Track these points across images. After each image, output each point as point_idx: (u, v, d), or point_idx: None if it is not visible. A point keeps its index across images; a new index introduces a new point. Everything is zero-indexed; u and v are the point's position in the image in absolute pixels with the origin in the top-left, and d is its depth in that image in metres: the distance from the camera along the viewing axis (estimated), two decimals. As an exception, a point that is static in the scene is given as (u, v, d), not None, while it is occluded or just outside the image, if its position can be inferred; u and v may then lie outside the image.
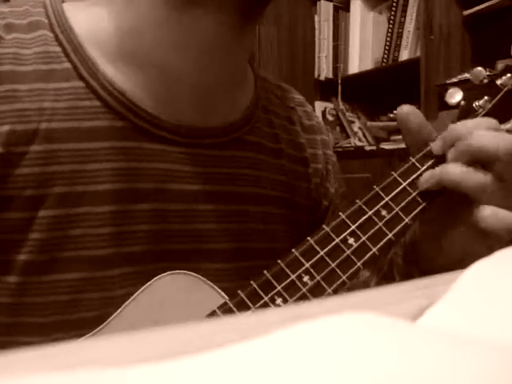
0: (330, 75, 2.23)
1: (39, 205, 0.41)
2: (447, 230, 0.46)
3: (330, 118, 2.22)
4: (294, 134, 0.56)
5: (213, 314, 0.39)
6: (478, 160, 0.41)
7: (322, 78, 2.23)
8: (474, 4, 1.73)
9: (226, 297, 0.40)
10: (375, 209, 0.43)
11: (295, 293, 0.39)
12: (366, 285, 0.53)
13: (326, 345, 0.13)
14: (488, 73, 0.50)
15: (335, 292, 0.40)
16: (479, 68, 0.49)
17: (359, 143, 2.11)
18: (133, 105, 0.44)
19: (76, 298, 0.41)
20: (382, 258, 0.44)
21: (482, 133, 0.42)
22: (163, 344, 0.14)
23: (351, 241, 0.41)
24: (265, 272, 0.40)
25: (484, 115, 0.47)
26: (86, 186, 0.42)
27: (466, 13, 1.77)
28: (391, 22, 2.00)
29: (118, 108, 0.43)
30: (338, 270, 0.40)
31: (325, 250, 0.41)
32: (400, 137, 1.87)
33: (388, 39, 2.01)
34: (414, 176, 0.44)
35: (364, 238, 0.42)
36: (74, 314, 0.41)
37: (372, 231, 0.42)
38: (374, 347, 0.13)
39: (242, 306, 0.39)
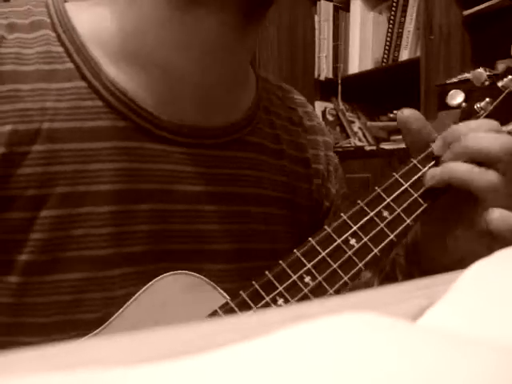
0: (330, 75, 2.23)
1: (41, 205, 0.41)
2: (449, 231, 0.46)
3: (330, 117, 2.22)
4: (295, 135, 0.56)
5: (214, 314, 0.39)
6: (476, 161, 0.42)
7: (322, 77, 2.23)
8: (474, 4, 1.73)
9: (228, 297, 0.40)
10: (377, 210, 0.43)
11: (297, 293, 0.40)
12: (367, 286, 0.53)
13: (327, 345, 0.13)
14: (488, 73, 0.50)
15: (337, 293, 0.40)
16: (480, 70, 0.49)
17: (359, 143, 2.11)
18: (135, 105, 0.44)
19: (77, 298, 0.41)
20: (383, 258, 0.44)
21: (481, 135, 0.42)
22: (164, 344, 0.14)
23: (353, 242, 0.41)
24: (266, 273, 0.40)
25: (485, 117, 0.47)
26: (87, 186, 0.42)
27: (465, 13, 1.77)
28: (391, 21, 2.00)
29: (121, 108, 0.43)
30: (339, 271, 0.40)
31: (326, 251, 0.41)
32: (400, 137, 1.87)
33: (388, 39, 2.01)
34: (416, 177, 0.44)
35: (366, 239, 0.42)
36: (76, 314, 0.41)
37: (373, 232, 0.42)
38: (374, 347, 0.13)
39: (244, 307, 0.39)
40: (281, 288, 0.39)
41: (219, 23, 0.42)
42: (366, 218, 0.42)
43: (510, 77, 0.49)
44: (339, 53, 2.21)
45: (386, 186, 0.44)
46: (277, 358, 0.12)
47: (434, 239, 0.47)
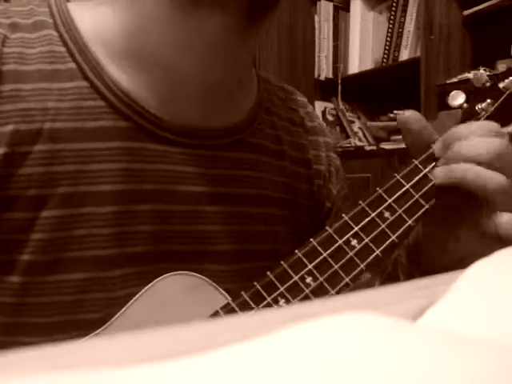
0: (330, 75, 2.23)
1: (42, 205, 0.41)
2: (450, 231, 0.46)
3: (330, 118, 2.22)
4: (296, 136, 0.56)
5: (215, 314, 0.39)
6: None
7: (322, 77, 2.23)
8: (474, 4, 1.73)
9: (229, 298, 0.40)
10: (378, 211, 0.43)
11: (298, 294, 0.40)
12: (368, 286, 0.53)
13: (327, 345, 0.13)
14: (488, 73, 0.50)
15: (338, 293, 0.40)
16: (481, 71, 0.49)
17: (359, 143, 2.11)
18: (137, 105, 0.44)
19: (79, 298, 0.41)
20: (385, 259, 0.44)
21: (473, 141, 0.42)
22: (165, 344, 0.14)
23: (354, 242, 0.41)
24: (268, 273, 0.40)
25: (486, 118, 0.47)
26: (89, 186, 0.42)
27: (466, 13, 1.77)
28: (391, 21, 2.00)
29: (123, 108, 0.43)
30: (341, 272, 0.40)
31: (328, 252, 0.41)
32: (400, 137, 1.87)
33: (388, 39, 2.00)
34: (417, 178, 0.44)
35: (367, 240, 0.42)
36: (77, 314, 0.41)
37: (375, 233, 0.42)
38: (374, 347, 0.13)
39: (245, 307, 0.39)
40: (282, 289, 0.39)
41: (222, 25, 0.42)
42: (367, 219, 0.42)
43: (511, 78, 0.49)
44: (339, 53, 2.21)
45: (388, 186, 0.44)
46: (277, 357, 0.12)
47: (435, 240, 0.47)
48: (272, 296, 0.39)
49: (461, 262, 0.45)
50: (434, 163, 0.45)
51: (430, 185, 0.44)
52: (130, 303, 0.40)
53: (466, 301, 0.18)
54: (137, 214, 0.43)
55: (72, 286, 0.41)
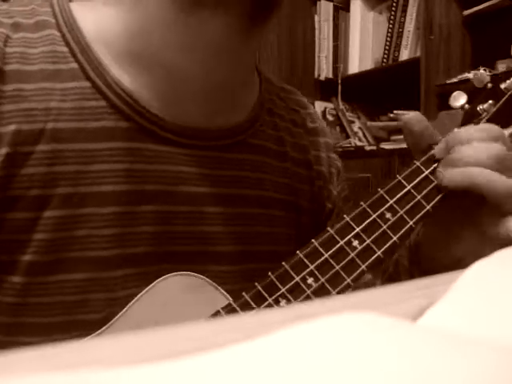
0: (330, 75, 2.23)
1: (45, 205, 0.41)
2: (452, 232, 0.46)
3: (330, 118, 2.22)
4: (298, 137, 0.56)
5: (216, 314, 0.39)
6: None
7: (322, 77, 2.23)
8: (474, 4, 1.73)
9: (230, 298, 0.40)
10: (379, 211, 0.43)
11: (299, 295, 0.39)
12: (369, 287, 0.53)
13: (327, 345, 0.13)
14: (488, 73, 0.50)
15: (339, 294, 0.40)
16: (482, 72, 0.49)
17: (359, 143, 2.11)
18: (139, 106, 0.44)
19: (80, 298, 0.41)
20: (386, 260, 0.44)
21: (473, 147, 0.42)
22: (164, 344, 0.14)
23: (355, 243, 0.41)
24: (269, 274, 0.40)
25: (488, 119, 0.47)
26: (91, 186, 0.42)
27: (466, 13, 1.77)
28: (391, 21, 2.00)
29: (124, 109, 0.43)
30: (342, 273, 0.40)
31: (329, 253, 0.41)
32: (400, 137, 1.87)
33: (388, 39, 2.01)
34: (418, 179, 0.44)
35: (368, 241, 0.42)
36: (79, 314, 0.41)
37: (376, 234, 0.42)
38: (374, 347, 0.13)
39: (247, 308, 0.39)
40: (283, 289, 0.39)
41: (224, 26, 0.42)
42: (368, 220, 0.42)
43: None
44: (339, 53, 2.21)
45: (389, 187, 0.44)
46: (277, 357, 0.12)
47: (436, 240, 0.47)
48: (273, 297, 0.39)
49: (461, 262, 0.45)
50: (435, 164, 0.45)
51: (432, 186, 0.44)
52: (130, 303, 0.40)
53: (466, 301, 0.18)
54: (139, 215, 0.43)
55: (73, 287, 0.41)
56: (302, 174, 0.55)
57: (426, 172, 0.45)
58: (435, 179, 0.45)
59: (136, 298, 0.40)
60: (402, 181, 0.44)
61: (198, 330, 0.15)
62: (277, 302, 0.39)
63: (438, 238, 0.47)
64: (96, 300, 0.41)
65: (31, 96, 0.41)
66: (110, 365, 0.11)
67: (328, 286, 0.40)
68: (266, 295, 0.39)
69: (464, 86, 0.51)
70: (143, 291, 0.40)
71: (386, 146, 1.87)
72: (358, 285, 0.42)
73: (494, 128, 0.44)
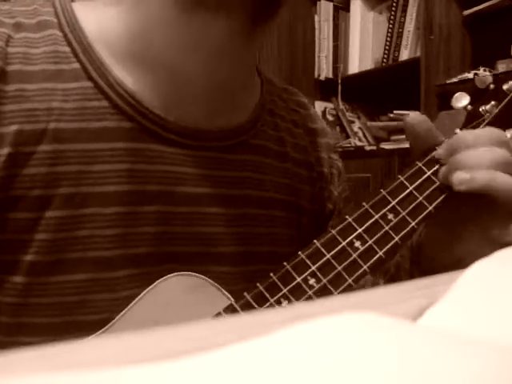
0: (330, 75, 2.23)
1: (46, 205, 0.41)
2: (454, 233, 0.46)
3: (330, 117, 2.22)
4: (298, 138, 0.55)
5: (218, 315, 0.39)
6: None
7: (322, 77, 2.23)
8: (474, 4, 1.73)
9: (232, 299, 0.40)
10: (382, 212, 0.43)
11: (301, 296, 0.39)
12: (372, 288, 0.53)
13: (326, 345, 0.13)
14: (488, 73, 0.50)
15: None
16: (485, 73, 0.49)
17: (359, 143, 2.11)
18: (141, 106, 0.44)
19: (82, 299, 0.41)
20: (388, 261, 0.44)
21: (476, 152, 0.42)
22: (164, 344, 0.14)
23: (358, 244, 0.41)
24: (271, 275, 0.40)
25: (490, 120, 0.47)
26: (93, 186, 0.42)
27: (466, 13, 1.77)
28: (391, 21, 2.00)
29: (127, 109, 0.43)
30: (344, 273, 0.40)
31: (331, 253, 0.41)
32: (400, 137, 1.87)
33: (388, 39, 2.01)
34: (421, 180, 0.44)
35: (370, 242, 0.41)
36: (80, 315, 0.41)
37: (378, 235, 0.42)
38: (373, 347, 0.13)
39: (248, 309, 0.39)
40: (285, 290, 0.39)
41: (226, 28, 0.42)
42: (370, 221, 0.42)
43: None
44: (339, 53, 2.21)
45: (391, 188, 0.44)
46: (276, 358, 0.12)
47: (437, 241, 0.47)
48: (275, 297, 0.39)
49: (461, 262, 0.45)
50: (437, 166, 0.45)
51: (434, 187, 0.44)
52: (131, 304, 0.40)
53: (466, 301, 0.18)
54: (140, 215, 0.43)
55: (75, 287, 0.41)
56: (303, 175, 0.55)
57: (429, 173, 0.44)
58: (438, 180, 0.45)
59: (137, 299, 0.40)
60: (405, 181, 0.44)
61: (198, 330, 0.15)
62: (278, 302, 0.39)
63: (440, 238, 0.47)
64: (98, 300, 0.41)
65: (33, 96, 0.41)
66: (109, 365, 0.11)
67: (330, 286, 0.40)
68: (267, 296, 0.39)
69: (464, 85, 0.51)
70: (144, 291, 0.40)
71: (385, 146, 1.87)
72: (361, 286, 0.42)
73: (495, 132, 0.44)
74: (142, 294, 0.40)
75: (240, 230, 0.48)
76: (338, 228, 0.42)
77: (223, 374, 0.11)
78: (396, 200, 0.43)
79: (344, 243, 0.41)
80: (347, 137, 2.16)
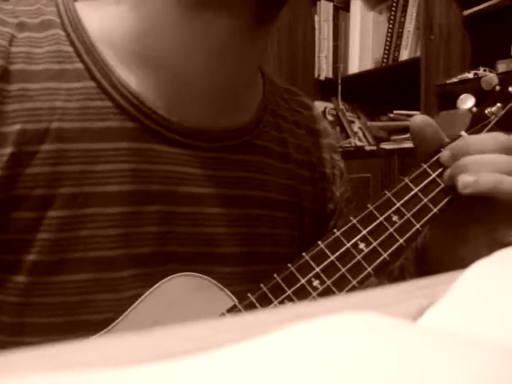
0: (330, 75, 2.23)
1: (49, 205, 0.41)
2: (459, 236, 0.46)
3: (330, 117, 2.22)
4: (301, 138, 0.55)
5: (222, 316, 0.39)
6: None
7: (322, 77, 2.23)
8: (474, 4, 1.73)
9: (236, 300, 0.40)
10: (386, 214, 0.42)
11: (305, 297, 0.39)
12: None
13: (326, 345, 0.13)
14: (487, 73, 0.50)
15: None
16: (491, 74, 0.49)
17: (359, 143, 2.11)
18: (144, 106, 0.44)
19: (84, 299, 0.41)
20: (392, 263, 0.44)
21: (482, 158, 0.42)
22: (164, 344, 0.14)
23: (362, 246, 0.41)
24: (275, 276, 0.40)
25: (496, 123, 0.47)
26: (96, 186, 0.42)
27: (466, 13, 1.77)
28: (391, 21, 2.00)
29: (130, 109, 0.43)
30: (348, 275, 0.40)
31: (335, 255, 0.40)
32: (400, 137, 1.86)
33: (388, 39, 2.01)
34: (426, 182, 0.44)
35: (375, 244, 0.41)
36: (82, 315, 0.41)
37: (383, 237, 0.42)
38: (373, 347, 0.13)
39: (252, 309, 0.39)
40: (289, 291, 0.39)
41: (229, 26, 0.42)
42: (375, 223, 0.42)
43: None
44: (339, 53, 2.21)
45: (396, 190, 0.44)
46: (276, 358, 0.12)
47: (443, 243, 0.47)
48: (279, 299, 0.39)
49: (466, 264, 0.45)
50: (442, 168, 0.45)
51: (439, 189, 0.44)
52: (134, 304, 0.40)
53: (466, 301, 0.18)
54: (144, 215, 0.43)
55: (77, 287, 0.41)
56: (305, 176, 0.55)
57: (434, 175, 0.44)
58: (443, 182, 0.44)
59: (140, 299, 0.40)
60: (409, 183, 0.44)
61: (198, 330, 0.15)
62: (282, 303, 0.39)
63: (444, 240, 0.47)
64: (100, 300, 0.41)
65: (36, 96, 0.41)
66: (109, 365, 0.11)
67: (334, 288, 0.40)
68: (271, 297, 0.39)
69: (464, 86, 0.51)
70: (148, 292, 0.40)
71: (385, 145, 1.87)
72: (366, 288, 0.42)
73: (500, 138, 0.43)
74: (145, 295, 0.40)
75: (242, 231, 0.48)
76: (343, 229, 0.41)
77: (223, 374, 0.11)
78: (401, 202, 0.43)
79: (348, 245, 0.41)
80: (347, 137, 2.16)
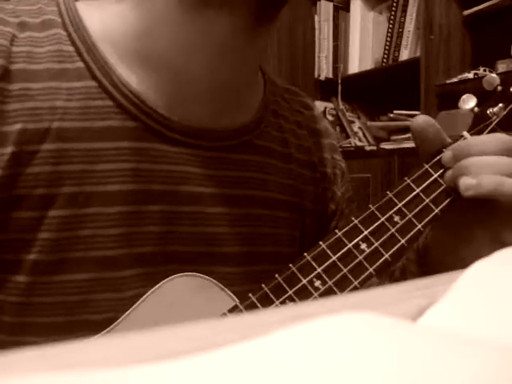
0: (330, 75, 2.23)
1: (50, 204, 0.41)
2: (461, 236, 0.46)
3: (330, 117, 2.22)
4: (302, 139, 0.55)
5: (223, 316, 0.39)
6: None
7: (322, 77, 2.23)
8: (474, 4, 1.73)
9: (237, 300, 0.40)
10: (388, 215, 0.42)
11: (306, 297, 0.39)
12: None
13: (326, 345, 0.13)
14: (487, 73, 0.50)
15: None
16: (493, 75, 0.49)
17: (359, 143, 2.11)
18: (145, 106, 0.44)
19: (85, 298, 0.41)
20: (394, 263, 0.44)
21: (483, 161, 0.42)
22: (164, 344, 0.14)
23: (363, 246, 0.41)
24: (276, 276, 0.39)
25: (497, 123, 0.47)
26: (97, 186, 0.42)
27: (466, 13, 1.77)
28: (391, 21, 2.00)
29: (131, 108, 0.43)
30: (349, 276, 0.40)
31: (337, 255, 0.40)
32: (400, 137, 1.86)
33: (388, 39, 2.01)
34: (428, 182, 0.44)
35: (376, 244, 0.41)
36: (83, 314, 0.41)
37: (384, 237, 0.42)
38: (373, 347, 0.13)
39: (253, 310, 0.39)
40: (290, 292, 0.39)
41: (230, 25, 0.42)
42: (377, 223, 0.42)
43: None
44: (339, 53, 2.21)
45: (398, 190, 0.44)
46: (276, 358, 0.12)
47: (445, 244, 0.47)
48: (280, 299, 0.39)
49: (462, 262, 0.45)
50: (444, 168, 0.45)
51: (441, 189, 0.44)
52: (136, 304, 0.40)
53: (466, 301, 0.18)
54: (145, 215, 0.43)
55: (78, 287, 0.41)
56: (307, 176, 0.55)
57: (435, 175, 0.44)
58: (444, 183, 0.44)
59: (142, 299, 0.40)
60: (411, 184, 0.44)
61: (199, 330, 0.15)
62: (283, 304, 0.39)
63: (446, 241, 0.47)
64: (101, 300, 0.41)
65: (37, 95, 0.41)
66: (110, 365, 0.11)
67: (335, 288, 0.40)
68: (272, 297, 0.39)
69: (464, 86, 0.51)
70: (149, 292, 0.40)
71: (385, 145, 1.87)
72: (367, 288, 0.42)
73: (502, 140, 0.43)
74: (146, 295, 0.40)
75: (244, 230, 0.48)
76: (344, 230, 0.41)
77: (223, 374, 0.11)
78: (402, 202, 0.43)
79: (350, 245, 0.41)
80: (347, 137, 2.16)
